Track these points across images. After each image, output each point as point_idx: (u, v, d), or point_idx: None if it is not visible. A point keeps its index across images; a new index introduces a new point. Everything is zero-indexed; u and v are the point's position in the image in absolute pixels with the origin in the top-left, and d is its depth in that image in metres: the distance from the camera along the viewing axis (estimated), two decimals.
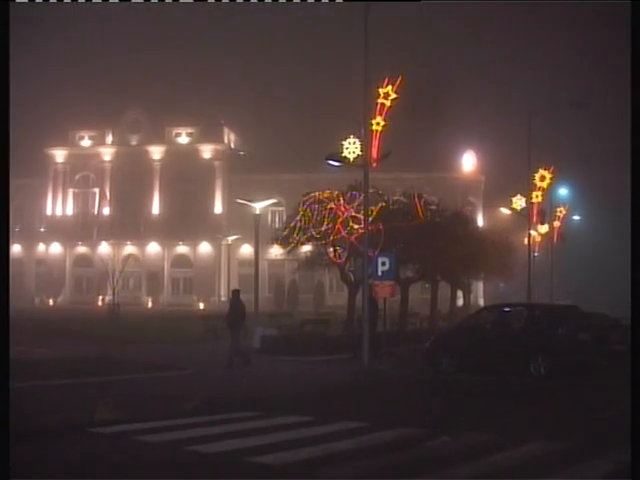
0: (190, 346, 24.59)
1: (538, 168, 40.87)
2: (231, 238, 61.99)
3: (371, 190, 22.61)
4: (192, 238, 64.97)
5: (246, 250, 61.85)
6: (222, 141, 66.68)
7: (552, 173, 41.93)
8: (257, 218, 31.06)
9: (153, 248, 66.57)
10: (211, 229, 64.72)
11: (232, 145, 68.18)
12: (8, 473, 6.66)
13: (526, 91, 76.47)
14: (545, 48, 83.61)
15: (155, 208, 66.57)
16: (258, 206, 31.69)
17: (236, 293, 19.90)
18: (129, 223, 65.05)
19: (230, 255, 64.48)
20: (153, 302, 63.89)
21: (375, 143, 21.10)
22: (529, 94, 70.00)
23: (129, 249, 65.92)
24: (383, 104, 21.34)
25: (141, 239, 65.71)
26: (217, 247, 65.94)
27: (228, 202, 63.58)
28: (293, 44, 72.48)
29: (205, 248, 66.11)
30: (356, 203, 24.85)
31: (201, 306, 59.95)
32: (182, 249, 66.62)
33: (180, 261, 66.55)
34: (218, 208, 66.27)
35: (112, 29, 75.62)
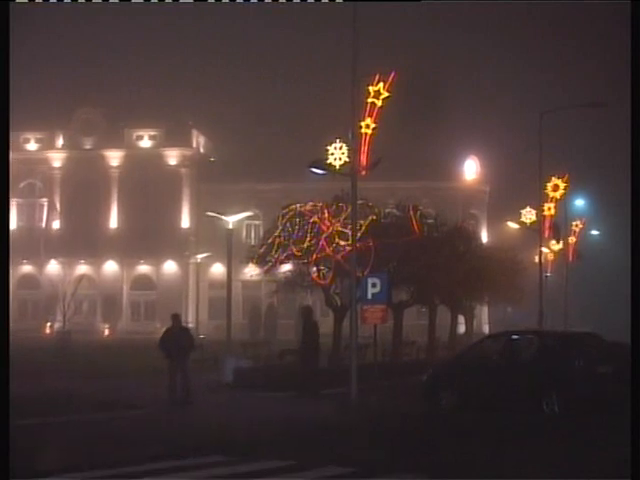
0: (152, 380, 24.27)
1: (550, 176, 41.28)
2: (200, 256, 61.91)
3: (360, 201, 22.83)
4: (155, 256, 64.91)
5: (217, 270, 61.82)
6: (190, 145, 66.82)
7: (566, 182, 42.33)
8: (230, 233, 31.00)
9: (110, 267, 66.41)
10: (177, 246, 64.71)
11: (202, 150, 68.33)
12: (8, 473, 7.13)
13: (535, 90, 77.49)
14: (553, 46, 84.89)
15: (113, 221, 66.49)
16: (231, 220, 31.64)
17: (176, 318, 20.58)
18: (82, 239, 64.77)
19: (199, 275, 64.42)
20: (110, 329, 63.65)
21: (364, 148, 21.30)
22: (538, 93, 70.88)
23: (82, 269, 65.63)
24: (374, 104, 21.55)
25: (96, 257, 65.54)
26: (184, 266, 65.89)
27: (197, 215, 63.58)
28: (272, 39, 73.42)
29: (170, 267, 66.04)
30: (343, 217, 24.99)
31: None
32: (144, 269, 66.51)
33: (141, 282, 66.44)
34: (185, 222, 66.27)
35: (70, 26, 76.02)
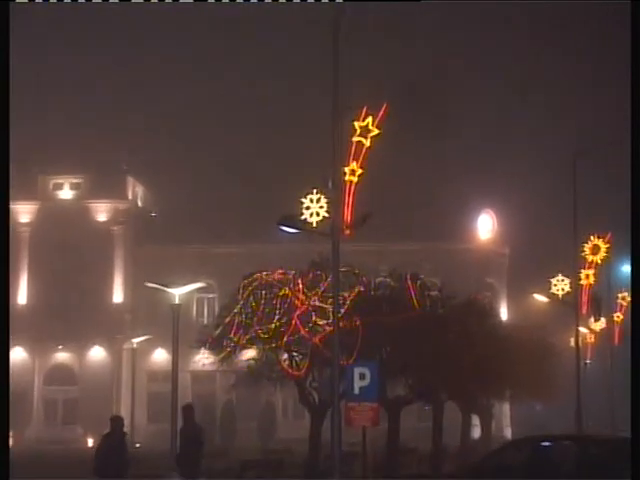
0: None
1: (589, 235, 41.65)
2: (137, 340, 61.71)
3: (343, 269, 23.03)
4: (78, 340, 64.59)
5: (160, 357, 61.63)
6: (125, 196, 67.11)
7: (609, 242, 42.68)
8: (176, 310, 31.04)
9: (17, 355, 65.93)
10: (107, 326, 64.45)
11: (140, 202, 68.65)
12: (8, 473, 8.69)
13: (567, 126, 78.44)
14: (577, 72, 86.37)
15: (21, 296, 66.22)
16: (178, 292, 31.69)
17: (117, 422, 20.03)
18: None
19: (136, 365, 64.07)
20: (16, 437, 62.86)
21: (349, 200, 21.94)
22: (572, 129, 71.74)
23: None
24: (360, 144, 22.27)
25: None
26: (116, 353, 65.58)
27: (133, 286, 63.59)
28: (235, 58, 73.96)
29: (98, 355, 65.72)
30: (322, 288, 25.17)
31: (90, 443, 59.18)
32: (62, 357, 66.14)
33: (59, 375, 66.00)
34: (118, 295, 66.19)
35: None
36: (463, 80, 77.46)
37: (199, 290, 45.07)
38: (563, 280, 42.92)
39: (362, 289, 26.45)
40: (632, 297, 9.66)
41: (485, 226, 67.23)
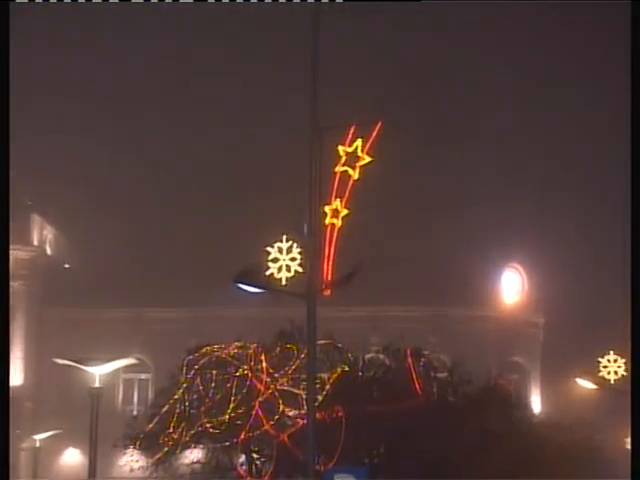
0: None
1: None
2: (41, 436, 61.23)
3: (322, 341, 23.30)
4: None
5: (72, 458, 61.09)
6: (29, 242, 66.81)
7: None
8: (96, 395, 30.79)
9: None
10: None
11: (49, 250, 68.37)
12: (8, 473, 10.17)
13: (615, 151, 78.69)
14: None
15: None
16: (98, 372, 31.50)
17: None
18: None
19: (39, 468, 63.53)
20: None
21: (330, 250, 21.58)
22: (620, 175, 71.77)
23: None
24: (346, 175, 21.92)
25: None
26: (13, 453, 64.94)
27: (37, 362, 63.20)
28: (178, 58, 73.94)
29: None
30: (292, 367, 25.21)
31: None
32: None
33: None
34: (17, 377, 65.73)
35: None
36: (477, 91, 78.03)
37: (127, 368, 45.01)
38: (616, 360, 42.80)
39: (347, 369, 26.50)
40: (632, 296, 13.21)
41: (511, 286, 67.03)
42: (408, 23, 67.06)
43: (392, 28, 69.62)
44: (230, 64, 71.16)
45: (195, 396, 26.01)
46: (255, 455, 26.69)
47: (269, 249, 22.33)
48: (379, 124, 22.30)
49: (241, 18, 63.93)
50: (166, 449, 26.49)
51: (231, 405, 25.57)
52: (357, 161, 22.23)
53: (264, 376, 25.73)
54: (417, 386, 26.83)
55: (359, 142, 22.22)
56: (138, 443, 27.26)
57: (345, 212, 22.06)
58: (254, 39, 68.39)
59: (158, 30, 73.46)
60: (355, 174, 22.21)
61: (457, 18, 67.94)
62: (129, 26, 71.02)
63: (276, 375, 25.73)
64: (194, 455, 28.17)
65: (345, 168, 22.23)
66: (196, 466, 28.25)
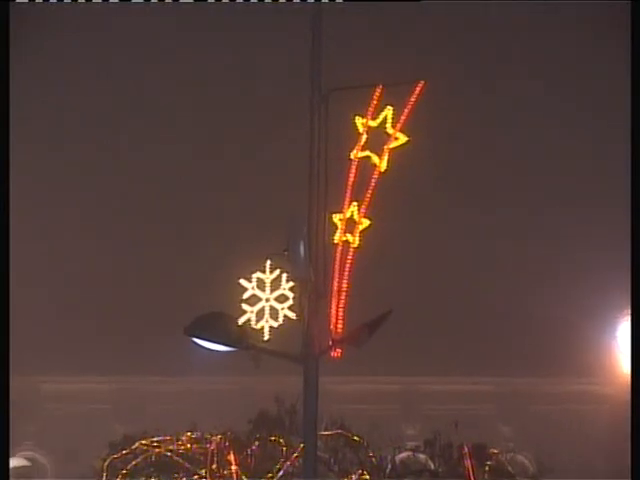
0: None
1: None
2: None
3: (327, 432, 20.73)
4: None
5: None
6: None
7: None
8: None
9: None
10: None
11: None
12: (8, 473, 14.91)
13: None
14: None
15: None
16: None
17: None
18: None
19: None
20: None
21: (340, 284, 16.84)
22: None
23: None
24: (367, 164, 17.34)
25: None
26: None
27: None
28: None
29: None
30: (277, 474, 21.73)
31: None
32: None
33: None
34: None
35: None
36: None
37: (13, 472, 40.39)
38: None
39: (367, 477, 22.09)
40: (632, 293, 14.67)
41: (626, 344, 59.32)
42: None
43: None
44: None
45: None
46: None
47: (243, 282, 17.38)
48: (421, 84, 17.38)
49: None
50: None
51: None
52: (386, 141, 17.46)
53: None
54: None
55: (389, 111, 17.45)
56: None
57: (366, 224, 17.33)
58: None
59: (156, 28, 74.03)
60: (382, 163, 17.41)
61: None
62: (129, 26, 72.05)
63: None
64: None
65: (366, 153, 17.56)
66: None
